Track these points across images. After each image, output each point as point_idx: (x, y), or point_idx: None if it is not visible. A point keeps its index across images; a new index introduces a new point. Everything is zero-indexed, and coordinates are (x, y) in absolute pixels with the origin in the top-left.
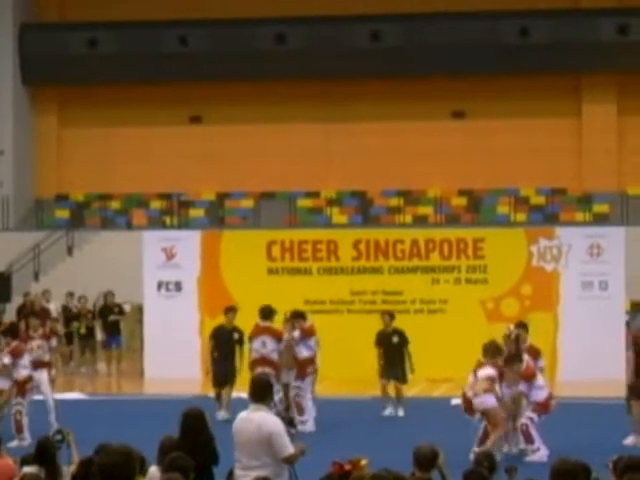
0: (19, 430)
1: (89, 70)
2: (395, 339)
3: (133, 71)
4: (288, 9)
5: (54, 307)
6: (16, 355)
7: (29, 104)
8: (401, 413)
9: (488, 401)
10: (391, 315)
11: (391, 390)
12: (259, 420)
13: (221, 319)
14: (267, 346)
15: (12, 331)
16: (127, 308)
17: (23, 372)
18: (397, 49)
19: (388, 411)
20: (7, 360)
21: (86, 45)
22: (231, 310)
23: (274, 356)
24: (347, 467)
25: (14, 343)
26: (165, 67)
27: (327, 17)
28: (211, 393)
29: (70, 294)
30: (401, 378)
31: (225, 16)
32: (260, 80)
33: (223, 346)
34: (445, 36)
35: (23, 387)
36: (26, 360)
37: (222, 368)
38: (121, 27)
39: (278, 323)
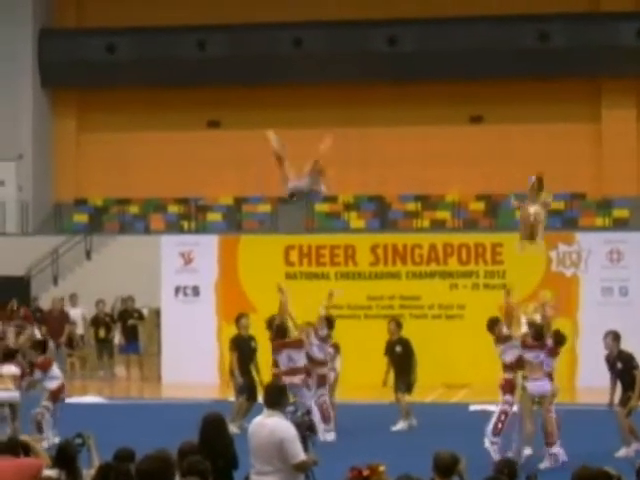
0: (39, 430)
1: (108, 75)
2: (398, 349)
3: (151, 76)
4: (306, 14)
5: (80, 312)
6: (44, 369)
7: (48, 109)
8: (413, 422)
9: (547, 387)
10: (397, 323)
11: (400, 401)
12: (272, 425)
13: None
14: (293, 358)
15: (40, 346)
16: (146, 313)
17: (54, 383)
18: (415, 53)
19: (398, 426)
20: (38, 375)
21: (105, 50)
22: (244, 316)
23: (301, 364)
24: (365, 473)
25: (41, 358)
26: (183, 72)
27: (345, 22)
28: (231, 398)
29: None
30: (404, 389)
31: (243, 21)
32: (278, 85)
33: (246, 356)
34: (463, 40)
35: (57, 395)
36: (55, 371)
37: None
38: (139, 32)
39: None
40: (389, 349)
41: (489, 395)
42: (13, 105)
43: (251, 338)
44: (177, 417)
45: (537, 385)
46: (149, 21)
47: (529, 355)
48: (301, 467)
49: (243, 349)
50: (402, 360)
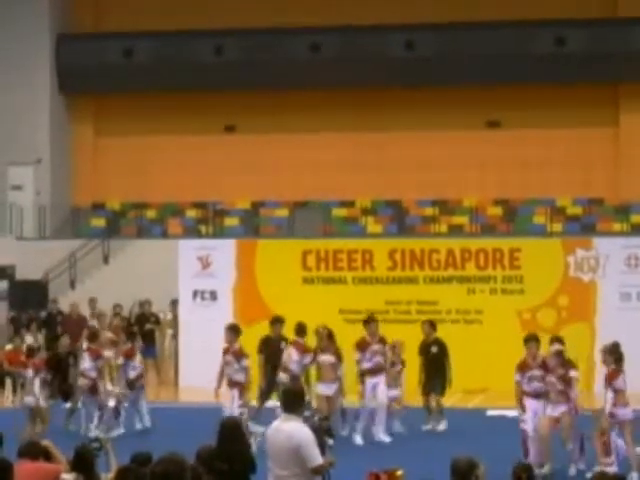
0: (116, 416)
1: (125, 80)
2: (434, 349)
3: (168, 81)
4: (322, 18)
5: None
6: (129, 356)
7: (66, 113)
8: (442, 427)
9: (629, 414)
10: (431, 323)
11: (433, 403)
12: (289, 430)
13: (257, 328)
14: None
15: (132, 336)
16: (162, 317)
17: (134, 372)
18: (431, 58)
19: (428, 426)
20: (121, 361)
21: (122, 55)
22: (278, 321)
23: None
24: (383, 477)
25: (126, 345)
26: (200, 76)
27: (361, 26)
28: (253, 402)
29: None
30: (439, 390)
31: (260, 25)
32: (295, 89)
33: (272, 357)
34: (480, 45)
35: (133, 384)
36: (137, 361)
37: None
38: (156, 37)
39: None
40: (424, 350)
41: (507, 400)
42: (31, 110)
43: (282, 339)
44: (194, 421)
45: (624, 412)
46: (166, 26)
47: None
48: (319, 470)
49: (270, 350)
50: (437, 361)
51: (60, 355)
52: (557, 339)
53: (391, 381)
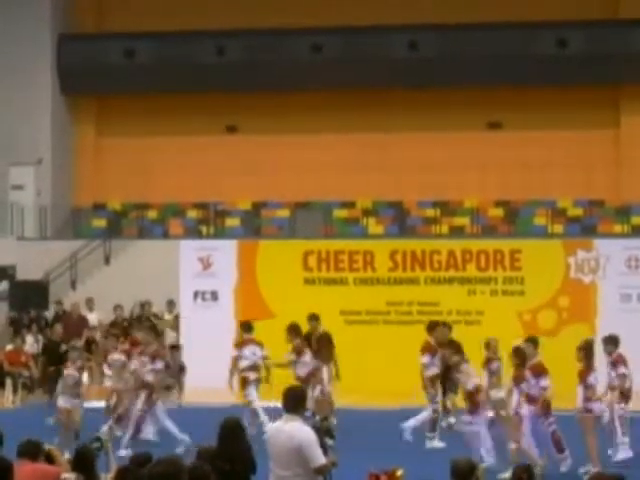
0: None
1: (127, 80)
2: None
3: (170, 81)
4: (324, 19)
5: (96, 317)
6: (299, 353)
7: (67, 114)
8: (452, 420)
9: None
10: (448, 326)
11: (449, 402)
12: (291, 430)
13: (258, 329)
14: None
15: (296, 331)
16: (165, 317)
17: (304, 369)
18: (433, 59)
19: (442, 423)
20: (291, 357)
21: (123, 55)
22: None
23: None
24: (383, 478)
25: (154, 346)
26: (202, 77)
27: (363, 27)
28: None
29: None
30: (454, 389)
31: (261, 26)
32: (296, 90)
33: None
34: (482, 47)
35: (306, 382)
36: (307, 357)
37: None
38: (158, 38)
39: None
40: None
41: None
42: (32, 110)
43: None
44: (195, 422)
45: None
46: (168, 27)
47: None
48: (321, 470)
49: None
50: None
51: (55, 343)
52: (529, 339)
53: (495, 381)
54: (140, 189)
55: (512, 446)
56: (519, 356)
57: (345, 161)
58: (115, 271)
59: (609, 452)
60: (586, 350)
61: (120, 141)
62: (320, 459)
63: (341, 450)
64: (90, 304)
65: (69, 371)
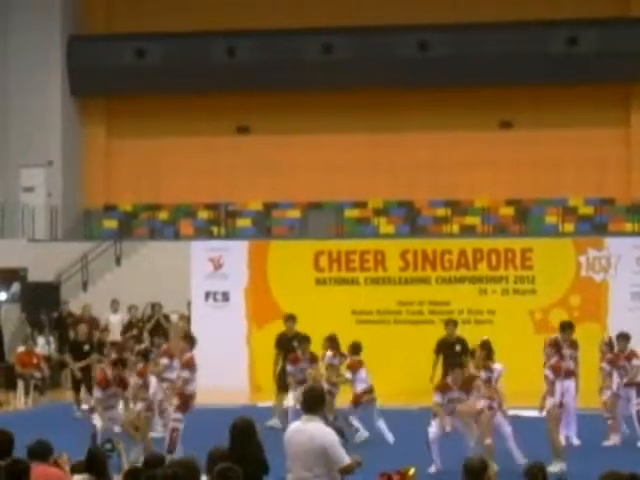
0: (172, 447)
1: (137, 81)
2: (458, 348)
3: (181, 82)
4: (335, 19)
5: (120, 318)
6: (354, 369)
7: (77, 115)
8: None
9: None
10: (455, 323)
11: None
12: (311, 431)
13: (269, 329)
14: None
15: (334, 343)
16: (174, 318)
17: (361, 386)
18: (444, 59)
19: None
20: (348, 375)
21: (134, 56)
22: (290, 318)
23: None
24: (395, 478)
25: (188, 354)
26: (213, 78)
27: (375, 27)
28: (261, 403)
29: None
30: None
31: (273, 26)
32: (307, 90)
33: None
34: (493, 46)
35: (358, 400)
36: (362, 374)
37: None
38: (169, 38)
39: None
40: (448, 347)
41: (517, 400)
42: (43, 111)
43: (295, 337)
44: (207, 422)
45: None
46: (179, 27)
47: None
48: (347, 470)
49: (283, 347)
50: (461, 359)
51: (79, 342)
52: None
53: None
54: (151, 190)
55: (487, 441)
56: (555, 346)
57: (356, 161)
58: (126, 272)
59: (638, 444)
60: (554, 346)
61: (131, 142)
62: (345, 459)
63: (352, 450)
64: (115, 305)
65: (134, 378)
